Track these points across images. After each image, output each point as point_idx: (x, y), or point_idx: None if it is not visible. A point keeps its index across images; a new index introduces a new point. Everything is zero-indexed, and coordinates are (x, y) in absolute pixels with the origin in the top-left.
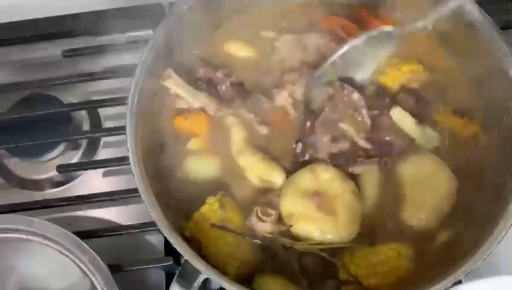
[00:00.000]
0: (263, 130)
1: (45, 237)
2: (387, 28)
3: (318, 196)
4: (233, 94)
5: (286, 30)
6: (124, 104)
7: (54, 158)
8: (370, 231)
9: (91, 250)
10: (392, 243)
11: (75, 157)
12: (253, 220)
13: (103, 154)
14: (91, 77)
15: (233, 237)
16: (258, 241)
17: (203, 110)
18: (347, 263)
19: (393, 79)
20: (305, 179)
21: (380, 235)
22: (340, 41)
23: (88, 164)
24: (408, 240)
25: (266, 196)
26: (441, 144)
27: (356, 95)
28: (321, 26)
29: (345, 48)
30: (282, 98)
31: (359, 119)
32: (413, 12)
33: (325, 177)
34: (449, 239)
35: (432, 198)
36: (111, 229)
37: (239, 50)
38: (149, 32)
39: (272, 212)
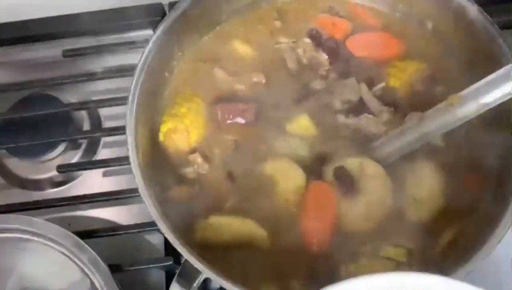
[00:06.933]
0: None
1: (45, 237)
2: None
3: None
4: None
5: (281, 32)
6: (124, 104)
7: (54, 158)
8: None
9: (91, 250)
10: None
11: (75, 157)
12: None
13: (103, 154)
14: (91, 77)
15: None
16: None
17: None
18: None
19: (402, 81)
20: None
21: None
22: (332, 51)
23: (88, 164)
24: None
25: None
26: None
27: None
28: (314, 25)
29: None
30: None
31: None
32: (414, 10)
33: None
34: (450, 240)
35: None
36: (111, 229)
37: (236, 53)
38: (149, 32)
39: None
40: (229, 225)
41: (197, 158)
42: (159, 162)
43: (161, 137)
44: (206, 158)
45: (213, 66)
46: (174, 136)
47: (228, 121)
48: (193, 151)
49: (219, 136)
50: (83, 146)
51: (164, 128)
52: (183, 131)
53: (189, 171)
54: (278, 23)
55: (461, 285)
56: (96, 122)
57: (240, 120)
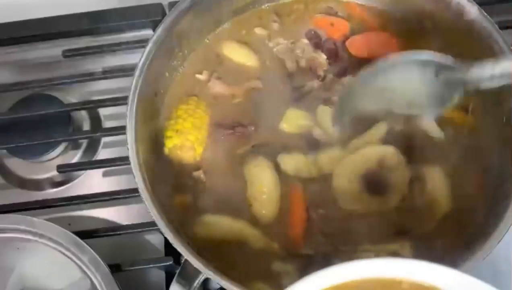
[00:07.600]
0: None
1: (45, 237)
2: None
3: None
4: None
5: (279, 34)
6: (124, 104)
7: (54, 158)
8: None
9: (91, 250)
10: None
11: (75, 157)
12: None
13: (103, 154)
14: (91, 77)
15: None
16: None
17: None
18: None
19: None
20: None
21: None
22: (331, 52)
23: (88, 164)
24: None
25: None
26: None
27: None
28: (312, 26)
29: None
30: None
31: None
32: (414, 10)
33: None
34: (449, 239)
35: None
36: (111, 229)
37: (235, 54)
38: (149, 32)
39: None
40: (222, 224)
41: (201, 175)
42: (160, 167)
43: (166, 151)
44: (209, 173)
45: (211, 74)
46: (179, 152)
47: (230, 142)
48: (197, 167)
49: (221, 153)
50: (83, 146)
51: (169, 143)
52: (189, 148)
53: (191, 183)
54: (276, 25)
55: (468, 279)
56: (96, 122)
57: (242, 142)
